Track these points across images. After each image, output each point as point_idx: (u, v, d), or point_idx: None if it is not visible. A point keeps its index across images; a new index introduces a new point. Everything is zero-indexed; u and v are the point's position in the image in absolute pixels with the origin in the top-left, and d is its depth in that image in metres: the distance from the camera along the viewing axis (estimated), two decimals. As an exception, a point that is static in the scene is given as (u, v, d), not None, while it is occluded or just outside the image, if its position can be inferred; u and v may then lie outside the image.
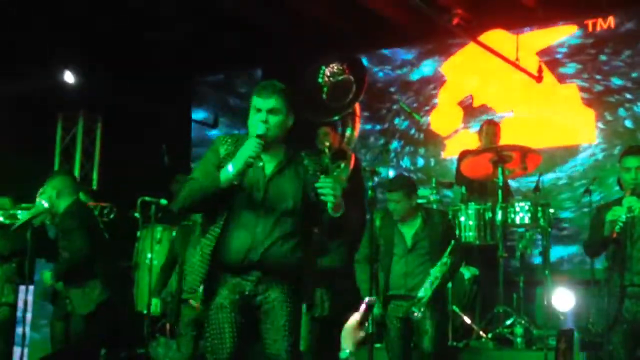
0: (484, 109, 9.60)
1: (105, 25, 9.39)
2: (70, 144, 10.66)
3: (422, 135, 10.01)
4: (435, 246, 5.91)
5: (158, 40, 9.88)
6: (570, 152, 9.07)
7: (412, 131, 10.08)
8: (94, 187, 10.37)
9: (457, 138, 9.70)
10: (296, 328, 4.28)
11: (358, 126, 6.92)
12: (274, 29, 9.89)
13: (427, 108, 9.99)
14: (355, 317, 3.38)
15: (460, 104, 9.78)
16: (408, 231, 6.04)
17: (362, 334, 3.38)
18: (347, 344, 3.35)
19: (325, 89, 6.53)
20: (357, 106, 6.81)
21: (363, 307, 3.36)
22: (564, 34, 9.29)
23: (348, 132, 6.90)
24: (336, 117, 6.81)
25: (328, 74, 6.50)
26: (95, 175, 10.57)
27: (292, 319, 4.24)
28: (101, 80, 10.05)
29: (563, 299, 6.56)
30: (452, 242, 5.89)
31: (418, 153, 10.04)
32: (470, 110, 9.71)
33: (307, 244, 4.32)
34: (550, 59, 9.27)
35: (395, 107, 10.06)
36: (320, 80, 6.51)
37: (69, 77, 9.89)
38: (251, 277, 4.23)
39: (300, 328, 4.36)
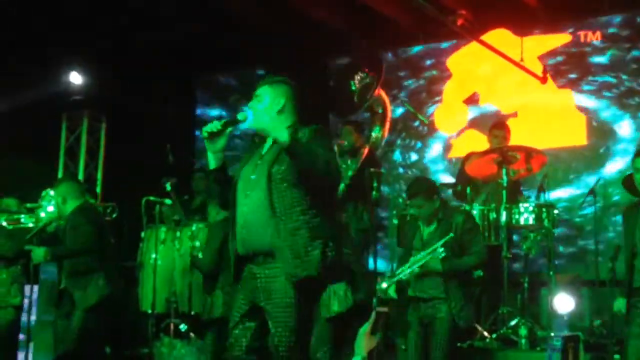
0: (489, 108, 9.58)
1: (109, 25, 9.41)
2: (75, 144, 10.67)
3: (425, 129, 9.93)
4: (448, 248, 5.84)
5: (162, 41, 9.89)
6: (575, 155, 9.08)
7: (416, 123, 9.97)
8: (98, 187, 10.39)
9: (463, 138, 9.66)
10: (302, 322, 4.18)
11: (387, 127, 7.02)
12: (277, 30, 9.89)
13: (438, 98, 9.94)
14: (368, 324, 3.47)
15: (466, 101, 9.76)
16: (427, 229, 6.07)
17: (374, 340, 3.47)
18: (359, 350, 3.44)
19: (356, 93, 6.82)
20: (388, 109, 7.01)
21: (374, 315, 3.44)
22: (562, 40, 9.30)
23: (374, 133, 7.04)
24: (358, 111, 7.01)
25: (357, 81, 6.82)
26: (99, 175, 10.58)
27: (293, 310, 4.15)
28: (105, 80, 10.07)
29: (563, 302, 6.60)
30: (451, 234, 5.82)
31: (413, 148, 10.01)
32: (476, 108, 9.68)
33: (302, 225, 4.20)
34: (579, 50, 9.22)
35: (401, 94, 10.03)
36: (353, 88, 6.80)
37: (75, 77, 9.93)
38: (251, 266, 4.31)
39: (309, 323, 4.29)
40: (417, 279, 5.96)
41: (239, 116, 4.33)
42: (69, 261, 6.37)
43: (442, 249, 5.78)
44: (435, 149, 9.90)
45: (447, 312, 5.83)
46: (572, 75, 9.23)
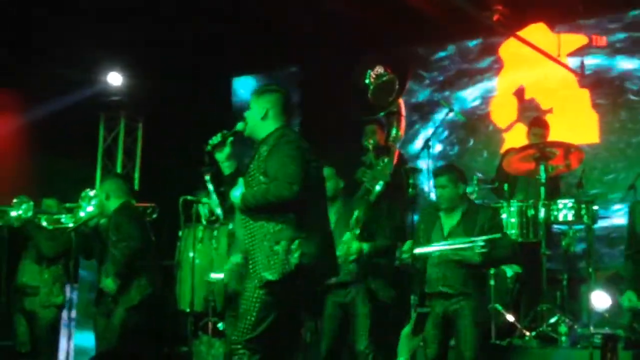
0: (532, 103, 9.45)
1: (145, 25, 9.47)
2: (112, 144, 10.79)
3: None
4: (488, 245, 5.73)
5: (198, 41, 9.94)
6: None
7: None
8: (136, 186, 10.47)
9: (514, 132, 9.49)
10: (265, 320, 4.52)
11: (403, 125, 6.99)
12: (312, 28, 9.88)
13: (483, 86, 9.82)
14: (409, 326, 3.52)
15: (515, 94, 9.63)
16: (448, 222, 5.94)
17: (416, 341, 3.52)
18: (402, 352, 3.50)
19: (370, 89, 6.75)
20: (402, 105, 6.94)
21: (415, 316, 3.49)
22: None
23: (394, 133, 7.01)
24: (381, 114, 6.96)
25: (374, 76, 6.76)
26: (136, 175, 10.69)
27: (257, 307, 4.53)
28: (142, 81, 10.14)
29: (600, 299, 6.65)
30: (498, 234, 5.73)
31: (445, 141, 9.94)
32: (522, 102, 9.55)
33: (268, 231, 4.56)
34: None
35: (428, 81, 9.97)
36: (367, 81, 6.74)
37: (113, 78, 10.01)
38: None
39: (276, 322, 4.55)
40: (441, 270, 5.85)
41: (238, 126, 4.83)
42: (112, 261, 6.42)
43: (482, 243, 5.71)
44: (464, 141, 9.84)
45: (471, 309, 5.73)
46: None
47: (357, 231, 6.08)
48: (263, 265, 4.53)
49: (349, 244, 6.04)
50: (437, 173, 6.07)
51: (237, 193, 4.63)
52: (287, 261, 4.49)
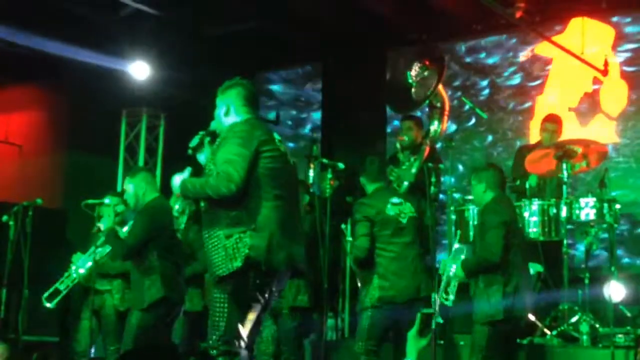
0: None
1: (169, 20, 9.51)
2: (134, 141, 10.82)
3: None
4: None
5: (222, 36, 9.96)
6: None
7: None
8: (157, 183, 10.48)
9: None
10: (216, 312, 4.51)
11: (446, 121, 6.96)
12: (337, 25, 9.88)
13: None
14: (415, 327, 3.57)
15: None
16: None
17: (423, 342, 3.57)
18: (410, 353, 3.55)
19: (413, 86, 6.74)
20: (446, 102, 6.92)
21: (420, 317, 3.54)
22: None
23: (433, 127, 6.97)
24: (419, 107, 6.93)
25: (414, 74, 6.73)
26: (158, 172, 10.70)
27: (216, 306, 4.52)
28: (164, 76, 10.16)
29: (616, 291, 6.62)
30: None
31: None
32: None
33: (220, 222, 4.51)
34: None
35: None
36: (409, 81, 6.72)
37: (136, 73, 9.95)
38: None
39: (237, 318, 4.50)
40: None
41: (211, 125, 4.88)
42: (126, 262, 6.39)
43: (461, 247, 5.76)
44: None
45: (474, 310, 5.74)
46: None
47: None
48: (215, 261, 4.49)
49: None
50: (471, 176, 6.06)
51: (177, 180, 4.66)
52: (235, 254, 4.41)
